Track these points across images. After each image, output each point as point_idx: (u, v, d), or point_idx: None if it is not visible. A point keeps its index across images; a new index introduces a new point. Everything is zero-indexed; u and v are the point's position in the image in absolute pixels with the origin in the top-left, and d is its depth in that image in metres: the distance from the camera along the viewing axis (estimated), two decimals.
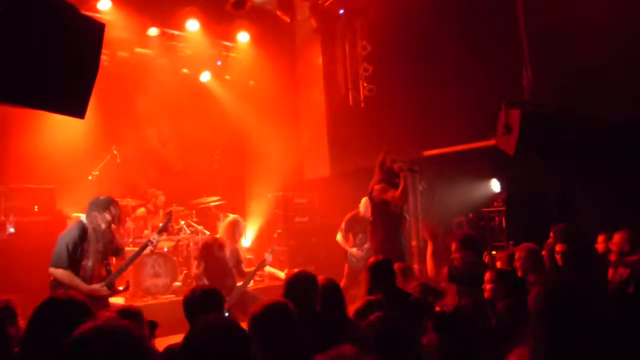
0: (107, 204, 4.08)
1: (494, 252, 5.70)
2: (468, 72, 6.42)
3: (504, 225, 6.30)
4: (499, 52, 5.92)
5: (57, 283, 3.89)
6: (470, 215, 6.77)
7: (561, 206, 4.54)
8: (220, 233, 5.30)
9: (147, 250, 4.51)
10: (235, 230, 5.21)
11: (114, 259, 4.62)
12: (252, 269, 5.38)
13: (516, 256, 3.96)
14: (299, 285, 2.89)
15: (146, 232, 6.99)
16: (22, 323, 2.39)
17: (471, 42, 6.42)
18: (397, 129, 7.29)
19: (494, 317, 2.93)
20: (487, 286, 3.29)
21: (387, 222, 5.26)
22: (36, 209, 6.29)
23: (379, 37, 7.72)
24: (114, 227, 4.27)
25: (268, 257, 5.37)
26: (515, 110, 4.95)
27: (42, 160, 6.87)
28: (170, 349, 2.49)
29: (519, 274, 3.85)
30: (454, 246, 4.19)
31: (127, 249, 4.76)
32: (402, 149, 7.50)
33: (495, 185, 6.77)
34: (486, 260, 4.99)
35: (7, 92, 2.53)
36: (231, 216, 5.48)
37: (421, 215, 7.65)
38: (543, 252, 4.14)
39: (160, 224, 6.81)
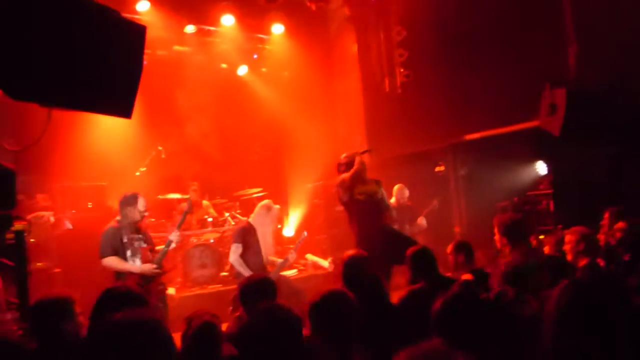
0: (134, 198, 4.37)
1: (541, 237, 5.54)
2: (508, 51, 6.21)
3: (551, 209, 6.10)
4: (540, 30, 5.69)
5: (118, 274, 4.16)
6: (515, 199, 6.60)
7: (609, 188, 4.37)
8: (252, 218, 5.28)
9: (171, 247, 4.58)
10: (265, 215, 5.18)
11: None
12: (280, 261, 5.11)
13: (566, 239, 3.82)
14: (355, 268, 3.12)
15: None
16: (82, 318, 2.52)
17: (510, 20, 6.20)
18: (436, 113, 7.16)
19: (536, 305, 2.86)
20: None
21: (359, 219, 5.07)
22: (90, 206, 6.62)
23: (414, 21, 7.57)
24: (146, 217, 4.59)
25: (291, 256, 5.11)
26: (560, 90, 4.78)
27: (93, 159, 7.16)
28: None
29: (569, 258, 3.73)
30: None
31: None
32: (442, 133, 7.39)
33: (541, 168, 6.56)
34: (534, 244, 4.86)
35: (58, 97, 2.66)
36: (263, 201, 5.41)
37: (464, 200, 7.53)
38: (599, 236, 3.97)
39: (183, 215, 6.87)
